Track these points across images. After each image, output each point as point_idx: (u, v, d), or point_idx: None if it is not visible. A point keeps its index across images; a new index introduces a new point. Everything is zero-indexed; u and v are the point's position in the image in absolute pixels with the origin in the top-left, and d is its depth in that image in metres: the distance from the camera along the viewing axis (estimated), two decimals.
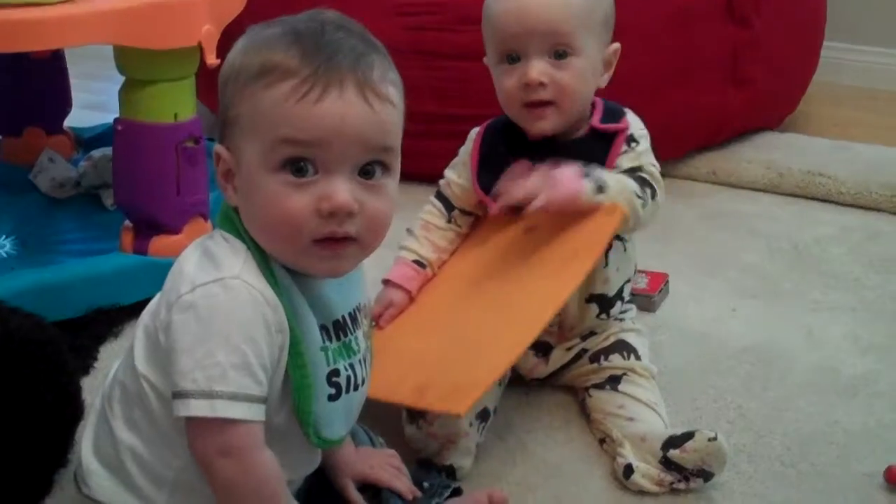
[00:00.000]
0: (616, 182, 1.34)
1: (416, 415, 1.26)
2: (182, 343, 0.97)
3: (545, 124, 1.39)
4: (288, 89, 0.94)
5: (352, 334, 1.08)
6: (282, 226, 0.97)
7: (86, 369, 1.46)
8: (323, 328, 1.04)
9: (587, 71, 1.38)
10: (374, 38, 1.01)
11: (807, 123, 2.67)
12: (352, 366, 1.07)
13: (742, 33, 2.30)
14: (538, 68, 1.35)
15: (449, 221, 1.48)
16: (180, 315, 0.97)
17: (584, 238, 1.34)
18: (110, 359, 1.48)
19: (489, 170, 1.43)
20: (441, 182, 1.50)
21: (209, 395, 0.95)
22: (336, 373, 1.05)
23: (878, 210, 2.18)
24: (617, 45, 1.42)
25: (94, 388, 1.40)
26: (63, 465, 1.23)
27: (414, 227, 1.48)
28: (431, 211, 1.49)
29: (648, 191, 1.36)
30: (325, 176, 0.96)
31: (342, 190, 0.95)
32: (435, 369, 1.29)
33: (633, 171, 1.37)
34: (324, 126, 0.94)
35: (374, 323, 1.37)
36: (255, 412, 0.97)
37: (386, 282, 1.44)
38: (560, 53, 1.36)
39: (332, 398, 1.05)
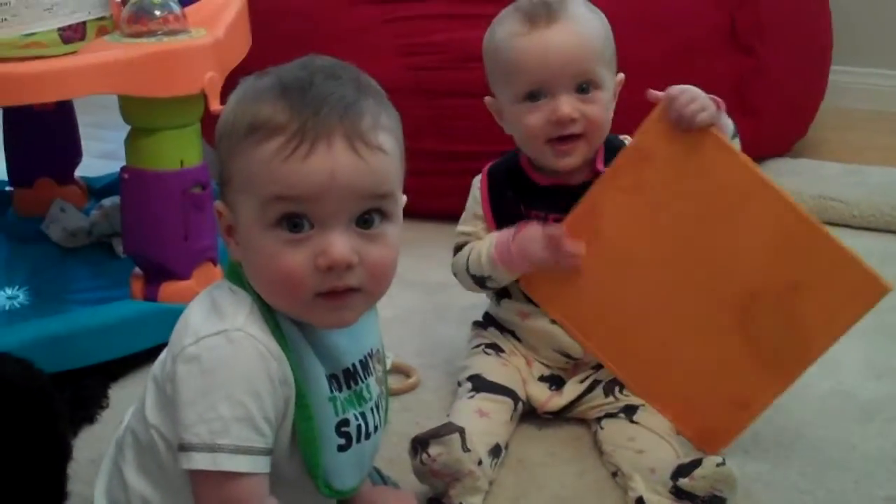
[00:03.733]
0: None
1: (419, 449, 1.25)
2: (185, 395, 0.97)
3: (572, 160, 1.39)
4: (276, 146, 0.93)
5: (363, 382, 1.07)
6: (281, 283, 0.96)
7: (91, 418, 1.46)
8: (332, 377, 1.03)
9: (609, 102, 1.39)
10: (370, 81, 1.00)
11: (817, 148, 2.66)
12: (363, 414, 1.06)
13: (747, 62, 2.30)
14: (570, 104, 1.35)
15: None
16: (184, 367, 0.97)
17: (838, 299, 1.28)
18: (122, 405, 1.48)
19: (503, 216, 1.42)
20: (459, 242, 1.46)
21: (212, 448, 0.95)
22: (346, 423, 1.04)
23: (892, 232, 2.17)
24: (621, 75, 1.43)
25: (104, 435, 1.41)
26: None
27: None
28: None
29: None
30: (320, 230, 0.95)
31: (338, 244, 0.94)
32: (697, 388, 1.32)
33: None
34: (314, 182, 0.93)
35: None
36: (258, 465, 0.97)
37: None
38: (584, 88, 1.36)
39: (341, 448, 1.04)
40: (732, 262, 1.29)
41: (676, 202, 1.32)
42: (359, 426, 1.05)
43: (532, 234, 1.35)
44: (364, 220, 0.97)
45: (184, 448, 0.96)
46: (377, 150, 0.95)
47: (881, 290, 1.24)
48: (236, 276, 1.02)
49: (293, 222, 0.95)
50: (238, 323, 0.98)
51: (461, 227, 1.48)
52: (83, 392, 1.46)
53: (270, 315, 0.99)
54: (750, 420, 1.32)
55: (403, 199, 1.03)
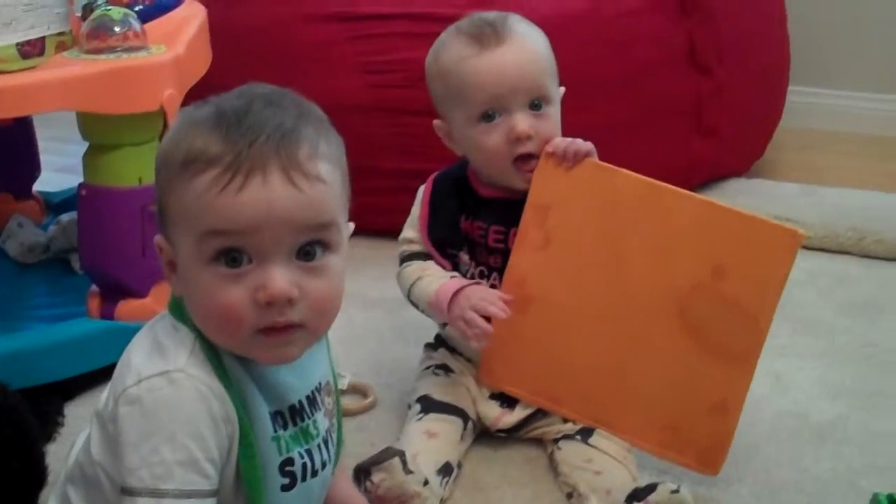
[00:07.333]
0: None
1: (362, 478, 1.25)
2: (128, 438, 0.95)
3: None
4: (210, 179, 0.91)
5: (309, 418, 1.05)
6: (221, 319, 0.94)
7: (49, 436, 1.44)
8: (277, 414, 1.01)
9: (558, 117, 1.40)
10: (311, 108, 0.98)
11: (774, 169, 2.69)
12: (309, 451, 1.04)
13: (706, 82, 2.32)
14: (525, 121, 1.36)
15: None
16: (126, 408, 0.95)
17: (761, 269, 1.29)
18: (78, 424, 1.47)
19: (439, 224, 1.44)
20: (403, 250, 1.48)
21: (155, 493, 0.93)
22: (290, 462, 1.02)
23: (846, 253, 2.19)
24: (563, 88, 1.44)
25: (61, 454, 1.39)
26: None
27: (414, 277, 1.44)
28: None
29: None
30: (259, 264, 0.92)
31: (277, 278, 0.92)
32: (674, 411, 1.32)
33: None
34: (249, 215, 0.90)
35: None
36: None
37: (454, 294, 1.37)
38: (536, 104, 1.38)
39: (285, 488, 1.02)
40: (656, 272, 1.32)
41: (586, 237, 1.35)
42: (304, 464, 1.03)
43: (483, 294, 1.36)
44: (305, 253, 0.94)
45: (127, 492, 0.94)
46: (315, 180, 0.93)
47: (795, 238, 1.27)
48: (179, 310, 1.00)
49: (231, 257, 0.92)
50: (180, 363, 0.95)
51: (404, 233, 1.49)
52: (40, 409, 1.44)
53: (213, 352, 0.97)
54: (734, 422, 1.32)
55: (350, 227, 1.01)
